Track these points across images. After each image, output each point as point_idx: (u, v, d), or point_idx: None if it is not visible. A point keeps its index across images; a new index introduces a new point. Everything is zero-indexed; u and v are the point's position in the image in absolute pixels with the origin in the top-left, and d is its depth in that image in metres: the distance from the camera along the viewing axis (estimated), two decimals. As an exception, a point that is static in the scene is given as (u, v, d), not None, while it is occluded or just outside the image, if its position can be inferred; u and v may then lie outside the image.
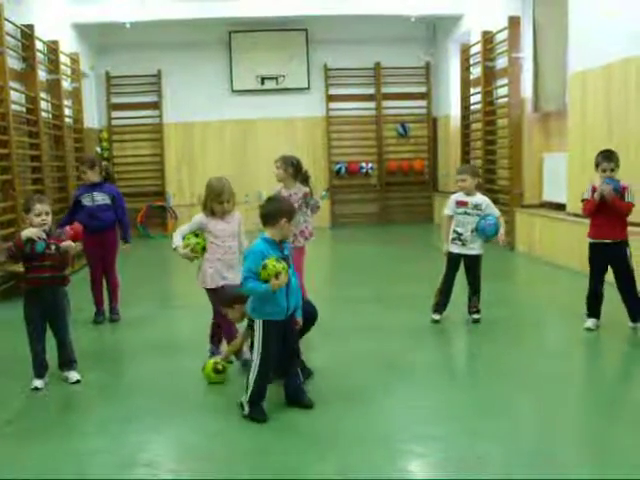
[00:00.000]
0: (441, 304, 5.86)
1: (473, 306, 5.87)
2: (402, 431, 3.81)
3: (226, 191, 4.68)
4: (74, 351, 4.69)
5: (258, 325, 3.91)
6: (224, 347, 4.88)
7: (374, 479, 3.22)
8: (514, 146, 9.84)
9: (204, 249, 4.71)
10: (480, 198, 5.80)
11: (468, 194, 5.78)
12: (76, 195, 6.41)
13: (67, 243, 4.55)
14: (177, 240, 4.74)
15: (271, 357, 3.91)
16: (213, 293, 4.75)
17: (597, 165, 5.33)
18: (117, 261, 6.49)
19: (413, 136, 13.70)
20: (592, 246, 5.46)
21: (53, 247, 4.51)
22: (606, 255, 5.37)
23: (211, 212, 4.72)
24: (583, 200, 5.42)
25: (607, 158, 5.29)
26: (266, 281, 3.78)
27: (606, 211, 5.24)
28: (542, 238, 8.93)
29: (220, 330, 4.91)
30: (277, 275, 3.77)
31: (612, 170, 5.25)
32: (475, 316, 5.84)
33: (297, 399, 4.03)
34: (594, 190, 5.28)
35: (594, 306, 5.44)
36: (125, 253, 6.50)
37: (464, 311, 5.91)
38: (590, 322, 5.43)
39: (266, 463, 3.41)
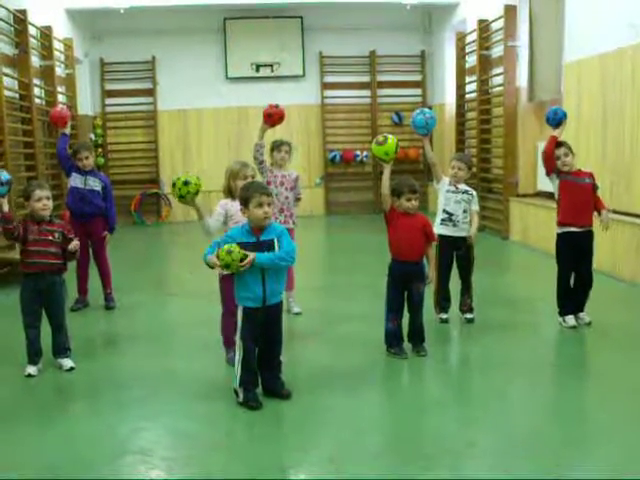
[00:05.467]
0: (443, 299, 5.51)
1: (465, 304, 5.53)
2: (393, 420, 3.83)
3: (248, 166, 4.60)
4: (69, 338, 4.69)
5: (239, 310, 3.94)
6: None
7: (365, 468, 3.24)
8: (509, 135, 9.84)
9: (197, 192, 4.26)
10: (468, 188, 5.50)
11: (457, 183, 5.46)
12: (70, 165, 6.32)
13: (75, 243, 4.55)
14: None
15: (248, 342, 3.90)
16: (223, 281, 4.53)
17: (558, 158, 5.28)
18: (107, 247, 6.44)
19: (408, 124, 13.59)
20: (564, 235, 5.31)
21: (57, 235, 4.52)
22: (577, 244, 5.26)
23: (231, 195, 4.58)
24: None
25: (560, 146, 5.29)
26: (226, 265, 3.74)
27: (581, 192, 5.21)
28: (536, 227, 8.94)
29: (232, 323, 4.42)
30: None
31: (566, 155, 5.24)
32: (468, 315, 5.50)
33: (275, 389, 4.02)
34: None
35: (568, 301, 5.31)
36: (106, 241, 6.38)
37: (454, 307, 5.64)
38: (570, 319, 5.29)
39: (260, 450, 3.42)
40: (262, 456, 3.36)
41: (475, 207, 5.50)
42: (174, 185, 4.13)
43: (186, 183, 4.08)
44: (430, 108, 13.59)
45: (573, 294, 5.34)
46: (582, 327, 5.28)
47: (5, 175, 4.44)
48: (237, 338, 3.95)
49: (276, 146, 5.85)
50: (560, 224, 5.32)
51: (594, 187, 5.29)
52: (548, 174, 5.35)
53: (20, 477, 3.20)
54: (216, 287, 4.63)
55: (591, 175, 5.33)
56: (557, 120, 5.38)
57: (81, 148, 6.35)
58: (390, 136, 4.71)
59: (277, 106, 5.72)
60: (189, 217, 10.33)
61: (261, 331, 3.96)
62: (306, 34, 13.13)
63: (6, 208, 4.44)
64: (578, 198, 5.23)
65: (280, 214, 5.68)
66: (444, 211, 5.43)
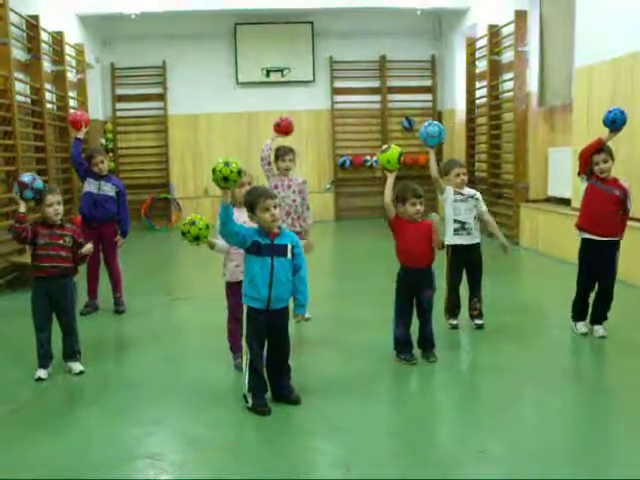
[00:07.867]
0: (454, 306, 5.50)
1: (475, 308, 5.50)
2: (402, 425, 3.82)
3: (245, 173, 4.45)
4: (79, 342, 4.70)
5: (244, 311, 3.94)
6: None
7: (376, 474, 3.23)
8: (519, 140, 9.82)
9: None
10: (471, 190, 5.52)
11: (461, 189, 5.47)
12: (85, 170, 6.33)
13: (88, 247, 4.57)
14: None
15: (254, 346, 3.89)
16: (231, 288, 4.56)
17: (596, 164, 5.08)
18: (118, 252, 6.46)
19: (418, 130, 13.61)
20: (584, 242, 5.20)
21: (67, 239, 4.54)
22: (598, 253, 5.12)
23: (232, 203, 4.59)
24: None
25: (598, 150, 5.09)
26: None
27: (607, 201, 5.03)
28: (547, 233, 8.91)
29: (238, 329, 4.37)
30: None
31: (605, 162, 5.04)
32: (478, 321, 5.48)
33: (284, 395, 4.02)
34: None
35: (583, 308, 5.26)
36: (119, 245, 6.42)
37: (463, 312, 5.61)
38: (582, 326, 5.25)
39: (269, 455, 3.42)
40: (271, 461, 3.36)
41: (484, 208, 5.50)
42: (184, 238, 4.19)
43: (197, 238, 4.13)
44: (440, 114, 13.60)
45: (588, 303, 5.24)
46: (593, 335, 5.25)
47: (39, 183, 4.48)
48: (243, 342, 3.95)
49: (280, 155, 5.77)
50: (578, 227, 5.22)
51: (622, 204, 5.07)
52: (579, 174, 5.27)
53: (30, 480, 3.21)
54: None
55: (625, 191, 5.07)
56: (615, 127, 5.11)
57: (95, 153, 6.38)
58: (394, 145, 4.72)
59: (284, 119, 5.89)
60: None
61: (267, 335, 3.96)
62: (316, 39, 13.16)
63: (23, 209, 4.47)
64: (599, 206, 5.06)
65: (287, 217, 5.67)
66: (456, 221, 5.41)
